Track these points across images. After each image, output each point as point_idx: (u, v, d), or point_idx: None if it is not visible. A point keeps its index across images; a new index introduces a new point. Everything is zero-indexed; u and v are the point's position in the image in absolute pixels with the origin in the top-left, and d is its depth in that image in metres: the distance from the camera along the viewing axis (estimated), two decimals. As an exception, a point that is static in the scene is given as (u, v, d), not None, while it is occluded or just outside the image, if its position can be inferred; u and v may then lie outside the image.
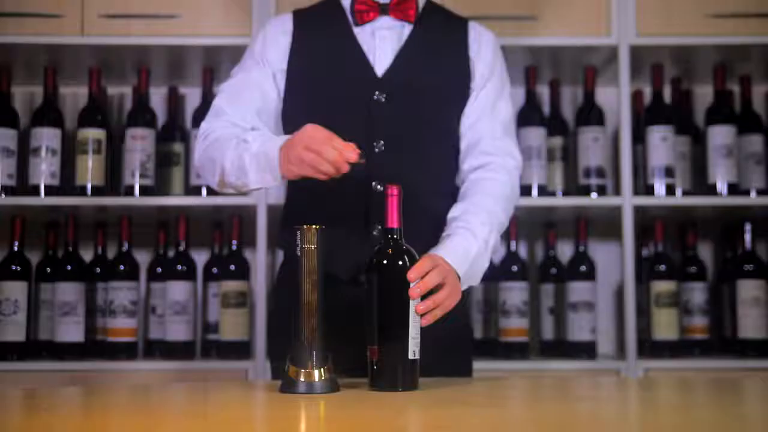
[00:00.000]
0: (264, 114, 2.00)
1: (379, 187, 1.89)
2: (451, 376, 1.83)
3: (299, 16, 2.06)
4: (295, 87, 1.99)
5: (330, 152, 1.69)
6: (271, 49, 2.01)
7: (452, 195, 2.03)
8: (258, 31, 2.14)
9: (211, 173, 1.93)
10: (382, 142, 1.91)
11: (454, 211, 1.92)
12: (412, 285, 1.62)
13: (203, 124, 2.00)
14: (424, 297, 1.65)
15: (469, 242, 1.84)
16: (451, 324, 1.80)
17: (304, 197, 1.98)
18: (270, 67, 2.00)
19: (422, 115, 1.97)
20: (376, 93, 1.94)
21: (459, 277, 1.78)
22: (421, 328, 1.63)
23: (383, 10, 1.99)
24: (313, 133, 1.72)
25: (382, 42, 1.98)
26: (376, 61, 1.97)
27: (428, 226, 1.90)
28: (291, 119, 1.98)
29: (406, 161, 1.91)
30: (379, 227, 1.88)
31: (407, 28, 2.00)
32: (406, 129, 1.94)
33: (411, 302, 1.62)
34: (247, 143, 1.85)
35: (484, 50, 2.04)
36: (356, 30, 1.99)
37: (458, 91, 2.01)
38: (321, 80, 1.98)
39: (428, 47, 2.00)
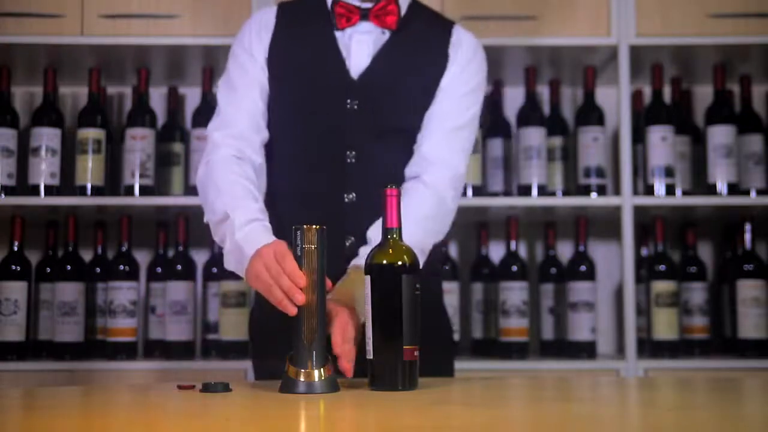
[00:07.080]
0: (265, 114, 1.99)
1: (349, 197, 1.89)
2: (432, 376, 1.80)
3: (283, 9, 2.04)
4: (273, 86, 1.99)
5: (277, 293, 1.60)
6: (256, 44, 2.00)
7: None
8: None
9: (203, 206, 1.92)
10: (354, 152, 1.91)
11: (373, 231, 1.85)
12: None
13: (210, 134, 1.96)
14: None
15: None
16: (426, 323, 1.76)
17: (280, 207, 1.97)
18: (258, 62, 1.99)
19: (395, 121, 1.96)
20: (349, 99, 1.93)
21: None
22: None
23: (364, 15, 1.97)
24: (268, 260, 1.63)
25: (358, 46, 1.97)
26: (351, 64, 1.96)
27: None
28: (270, 118, 1.98)
29: (378, 171, 1.90)
30: (353, 239, 1.88)
31: (387, 34, 1.99)
32: (378, 136, 1.94)
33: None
34: (233, 226, 1.77)
35: (461, 54, 2.01)
36: (338, 34, 1.98)
37: (432, 98, 1.99)
38: (296, 81, 1.97)
39: (405, 54, 1.99)
